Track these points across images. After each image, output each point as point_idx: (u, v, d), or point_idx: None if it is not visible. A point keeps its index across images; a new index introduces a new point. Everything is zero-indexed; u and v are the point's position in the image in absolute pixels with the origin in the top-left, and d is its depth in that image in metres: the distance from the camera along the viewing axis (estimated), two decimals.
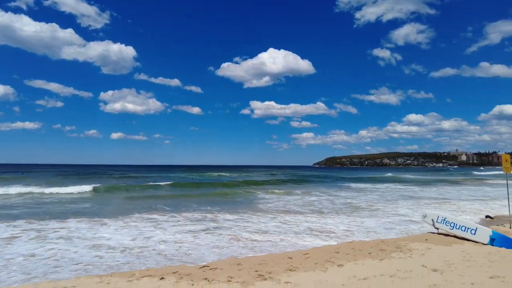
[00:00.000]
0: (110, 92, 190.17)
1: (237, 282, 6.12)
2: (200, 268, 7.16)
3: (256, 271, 6.74)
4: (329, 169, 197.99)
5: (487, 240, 9.16)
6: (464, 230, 9.78)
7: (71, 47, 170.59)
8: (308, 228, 13.40)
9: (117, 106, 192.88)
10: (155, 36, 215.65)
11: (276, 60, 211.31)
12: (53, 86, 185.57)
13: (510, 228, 11.53)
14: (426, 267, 6.92)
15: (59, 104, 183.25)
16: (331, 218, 16.01)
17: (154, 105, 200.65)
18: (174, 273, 6.70)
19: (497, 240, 9.00)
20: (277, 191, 32.20)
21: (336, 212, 18.40)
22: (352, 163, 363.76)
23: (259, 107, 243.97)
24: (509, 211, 13.13)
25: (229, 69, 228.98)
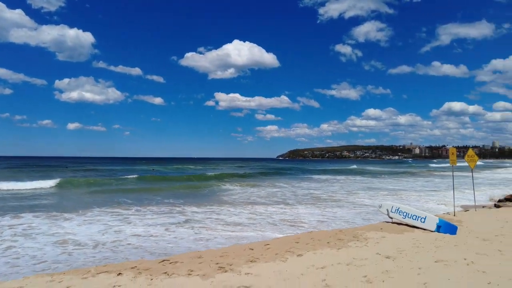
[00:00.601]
0: (66, 80, 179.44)
1: (198, 275, 6.09)
2: (160, 262, 7.04)
3: (217, 263, 6.75)
4: (292, 161, 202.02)
5: (434, 227, 9.83)
6: (415, 219, 10.42)
7: (21, 29, 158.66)
8: (281, 219, 13.71)
9: (74, 95, 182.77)
10: (115, 22, 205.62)
11: (241, 52, 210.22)
12: (0, 72, 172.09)
13: (454, 215, 12.46)
14: (380, 254, 7.29)
15: (8, 91, 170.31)
16: (297, 209, 16.43)
17: (113, 94, 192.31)
18: (132, 268, 6.52)
19: (442, 227, 9.69)
20: (241, 183, 32.33)
21: (299, 202, 18.88)
22: (314, 156, 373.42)
23: (224, 99, 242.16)
24: (453, 200, 14.18)
25: (193, 59, 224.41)
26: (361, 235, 9.33)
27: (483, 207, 16.37)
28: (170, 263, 6.95)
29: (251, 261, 6.87)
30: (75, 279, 5.99)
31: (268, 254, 7.46)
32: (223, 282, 5.69)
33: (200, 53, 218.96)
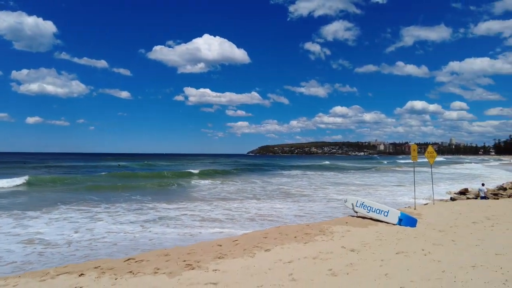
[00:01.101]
0: (24, 71, 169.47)
1: (164, 273, 5.98)
2: (125, 261, 6.85)
3: (184, 260, 6.67)
4: (263, 157, 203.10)
5: (396, 221, 10.28)
6: (379, 213, 10.84)
7: None
8: (257, 214, 13.88)
9: (33, 87, 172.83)
10: (79, 12, 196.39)
11: (211, 47, 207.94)
12: None
13: (415, 209, 13.10)
14: (345, 248, 7.52)
15: None
16: (270, 203, 16.63)
17: (77, 87, 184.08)
18: (95, 268, 6.29)
19: (404, 220, 10.16)
20: (212, 179, 32.09)
21: (272, 197, 19.11)
22: (283, 152, 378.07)
23: (194, 94, 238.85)
24: (414, 194, 14.91)
25: (162, 53, 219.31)
26: (327, 229, 9.57)
27: (440, 200, 17.33)
28: (136, 261, 6.78)
29: (219, 258, 6.84)
30: (32, 282, 5.68)
31: (236, 250, 7.47)
32: (190, 279, 5.63)
33: (169, 46, 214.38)
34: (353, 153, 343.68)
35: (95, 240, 9.63)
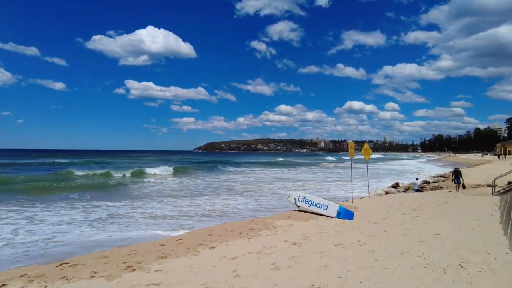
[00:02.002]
0: None
1: (102, 276, 5.66)
2: (58, 266, 6.35)
3: (125, 262, 6.38)
4: (210, 154, 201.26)
5: (335, 214, 10.88)
6: (319, 207, 11.38)
7: None
8: (212, 210, 13.83)
9: None
10: None
11: (155, 39, 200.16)
12: None
13: (352, 202, 13.98)
14: (287, 241, 7.77)
15: None
16: (220, 200, 16.48)
17: (2, 76, 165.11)
18: (21, 276, 5.74)
19: (342, 214, 10.80)
20: (159, 176, 31.00)
21: (219, 194, 19.00)
22: (230, 148, 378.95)
23: (136, 87, 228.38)
24: (351, 188, 15.91)
25: (102, 43, 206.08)
26: (271, 224, 9.81)
27: (375, 194, 18.68)
28: (70, 266, 6.32)
29: (161, 258, 6.66)
30: None
31: (180, 249, 7.33)
32: (131, 281, 5.40)
33: (110, 36, 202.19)
34: (297, 150, 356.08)
35: (47, 240, 9.07)
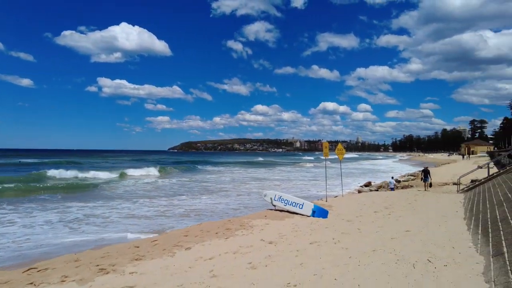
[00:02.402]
0: None
1: (73, 280, 5.49)
2: (25, 271, 6.09)
3: (97, 265, 6.20)
4: (186, 154, 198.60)
5: (310, 213, 11.07)
6: (295, 206, 11.53)
7: None
8: (191, 210, 13.74)
9: None
10: None
11: (129, 36, 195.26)
12: None
13: (326, 201, 14.26)
14: (264, 241, 7.83)
15: None
16: (197, 199, 16.32)
17: None
18: None
19: (317, 212, 11.00)
20: (133, 177, 30.25)
21: (194, 193, 18.80)
22: (206, 148, 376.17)
23: (109, 85, 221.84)
24: (326, 187, 16.23)
25: (72, 39, 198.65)
26: (247, 223, 9.85)
27: (349, 193, 19.15)
28: (39, 271, 6.08)
29: (136, 260, 6.53)
30: None
31: (155, 250, 7.22)
32: (104, 284, 5.27)
33: (81, 32, 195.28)
34: (273, 150, 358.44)
35: (6, 246, 8.62)
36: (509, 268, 4.40)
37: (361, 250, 6.62)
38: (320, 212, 10.97)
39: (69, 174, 31.08)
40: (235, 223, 9.92)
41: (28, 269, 6.18)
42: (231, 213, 13.39)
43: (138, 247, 7.52)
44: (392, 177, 22.29)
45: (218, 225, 9.62)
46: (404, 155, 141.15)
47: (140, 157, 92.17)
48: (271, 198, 12.32)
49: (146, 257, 6.68)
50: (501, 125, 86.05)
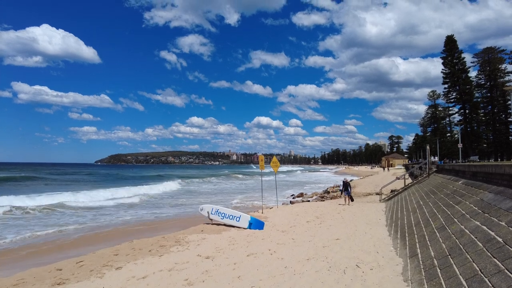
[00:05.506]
0: None
1: None
2: None
3: None
4: (114, 166, 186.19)
5: (247, 225, 11.16)
6: (231, 219, 11.54)
7: None
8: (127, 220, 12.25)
9: None
10: None
11: (52, 40, 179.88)
12: None
13: (262, 213, 14.53)
14: (200, 256, 7.66)
15: None
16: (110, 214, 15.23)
17: None
18: None
19: (253, 224, 11.14)
20: (49, 193, 27.31)
21: (122, 208, 17.63)
22: (138, 161, 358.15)
23: (26, 91, 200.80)
24: (262, 199, 16.56)
25: None
26: (183, 239, 9.56)
27: (282, 204, 19.75)
28: None
29: (58, 284, 5.90)
30: None
31: (81, 272, 6.61)
32: None
33: None
34: (209, 163, 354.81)
35: None
36: (422, 267, 4.96)
37: (296, 259, 6.86)
38: (256, 224, 11.13)
39: None
40: (170, 239, 9.55)
41: None
42: (167, 228, 12.86)
43: (60, 269, 6.81)
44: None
45: (152, 242, 9.17)
46: (333, 167, 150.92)
47: (61, 169, 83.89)
48: (208, 212, 12.16)
49: (71, 280, 6.07)
50: (414, 140, 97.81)
